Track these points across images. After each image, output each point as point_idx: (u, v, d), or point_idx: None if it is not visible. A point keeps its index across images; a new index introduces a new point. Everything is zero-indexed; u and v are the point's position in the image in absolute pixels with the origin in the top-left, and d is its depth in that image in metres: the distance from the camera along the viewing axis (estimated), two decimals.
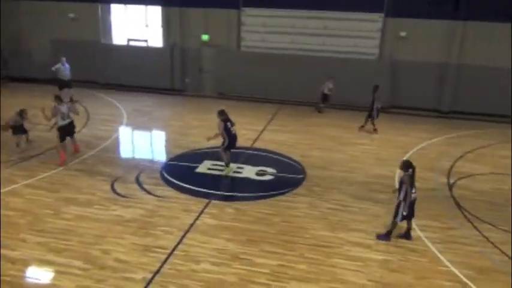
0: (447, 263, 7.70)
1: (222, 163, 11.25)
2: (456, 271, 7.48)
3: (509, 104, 16.76)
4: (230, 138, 10.79)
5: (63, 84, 17.30)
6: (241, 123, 15.04)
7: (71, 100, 16.71)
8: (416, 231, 8.63)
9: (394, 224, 8.27)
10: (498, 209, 9.87)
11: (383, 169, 11.89)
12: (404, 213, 8.08)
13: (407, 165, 8.05)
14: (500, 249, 8.20)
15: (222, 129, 10.66)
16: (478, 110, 17.37)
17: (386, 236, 8.34)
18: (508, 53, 16.59)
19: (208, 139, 10.86)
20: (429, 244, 8.27)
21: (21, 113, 12.15)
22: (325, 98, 17.44)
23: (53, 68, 17.35)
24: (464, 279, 7.27)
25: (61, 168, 10.97)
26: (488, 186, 11.18)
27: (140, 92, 19.87)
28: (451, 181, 11.33)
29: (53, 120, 11.35)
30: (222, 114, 10.78)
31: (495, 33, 16.81)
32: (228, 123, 10.77)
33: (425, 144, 14.17)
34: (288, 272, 7.23)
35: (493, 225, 9.07)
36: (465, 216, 9.47)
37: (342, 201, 9.93)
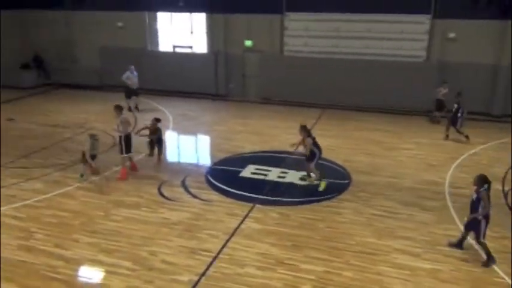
0: (502, 274, 7.34)
1: (266, 167, 11.27)
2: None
3: None
4: (319, 151, 10.63)
5: (130, 92, 17.81)
6: (284, 127, 15.10)
7: (136, 108, 17.44)
8: (468, 240, 8.28)
9: (483, 244, 7.66)
10: None
11: (431, 175, 11.51)
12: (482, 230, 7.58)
13: (483, 180, 7.56)
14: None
15: (311, 144, 10.45)
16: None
17: (492, 260, 7.64)
18: None
19: (292, 146, 11.01)
20: (482, 254, 7.91)
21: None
22: (440, 105, 16.64)
23: (123, 77, 17.73)
24: None
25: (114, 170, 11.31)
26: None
27: (185, 97, 20.28)
28: (506, 189, 10.80)
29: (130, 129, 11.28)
30: (306, 129, 10.58)
31: None
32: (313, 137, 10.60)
33: (477, 150, 13.59)
34: (334, 278, 7.13)
35: None
36: None
37: (389, 207, 9.68)
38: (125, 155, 10.99)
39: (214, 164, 12.33)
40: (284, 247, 8.01)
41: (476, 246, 7.87)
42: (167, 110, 17.96)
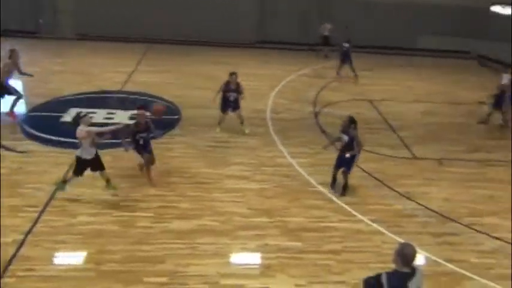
0: (316, 185, 8.52)
1: (91, 109, 10.55)
2: (325, 190, 8.33)
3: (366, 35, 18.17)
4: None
5: None
6: (107, 65, 14.18)
7: None
8: (288, 159, 9.29)
9: (348, 176, 8.26)
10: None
11: (256, 104, 12.32)
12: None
13: (351, 121, 8.04)
14: (360, 167, 9.25)
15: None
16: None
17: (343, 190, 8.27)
18: None
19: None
20: (300, 169, 9.01)
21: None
22: (326, 40, 16.94)
23: None
24: (330, 196, 8.16)
25: None
26: (348, 112, 12.23)
27: None
28: (317, 109, 12.25)
29: None
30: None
31: None
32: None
33: (293, 77, 14.92)
34: (171, 212, 7.32)
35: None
36: (330, 141, 10.40)
37: (219, 137, 10.15)
38: None
39: (30, 110, 11.03)
40: (120, 190, 7.82)
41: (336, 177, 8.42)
42: None
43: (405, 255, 4.02)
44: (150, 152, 8.16)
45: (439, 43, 18.68)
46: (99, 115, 10.79)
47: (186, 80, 14.00)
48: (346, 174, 8.21)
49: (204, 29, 17.33)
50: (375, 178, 8.94)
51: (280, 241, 6.87)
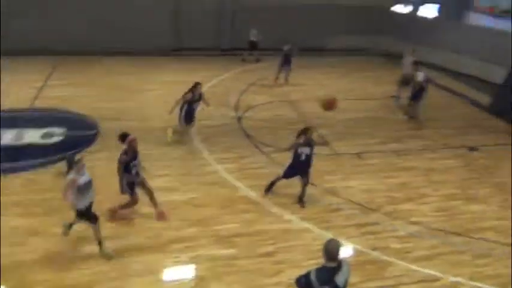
0: (244, 189, 8.60)
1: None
2: (253, 194, 8.43)
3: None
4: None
5: None
6: (12, 81, 13.18)
7: None
8: (215, 166, 9.29)
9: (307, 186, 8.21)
10: (279, 133, 11.31)
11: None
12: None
13: (303, 131, 7.94)
14: (283, 167, 9.49)
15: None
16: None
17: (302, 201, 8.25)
18: None
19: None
20: (227, 175, 9.04)
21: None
22: (253, 45, 17.16)
23: None
24: (259, 199, 8.28)
25: None
26: (269, 114, 12.60)
27: None
28: (239, 114, 12.36)
29: None
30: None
31: None
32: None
33: (214, 82, 14.92)
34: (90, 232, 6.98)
35: (276, 147, 10.40)
36: (254, 144, 10.57)
37: (143, 149, 9.83)
38: None
39: None
40: (36, 215, 7.32)
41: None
42: None
43: (329, 250, 4.25)
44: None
45: (347, 42, 19.72)
46: (7, 136, 10.00)
47: (100, 92, 13.42)
48: (307, 184, 8.15)
49: (117, 38, 16.71)
50: None
51: (213, 250, 6.86)
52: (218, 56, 18.45)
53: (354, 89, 15.23)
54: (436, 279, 6.62)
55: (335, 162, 10.03)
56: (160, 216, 7.48)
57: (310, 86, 15.05)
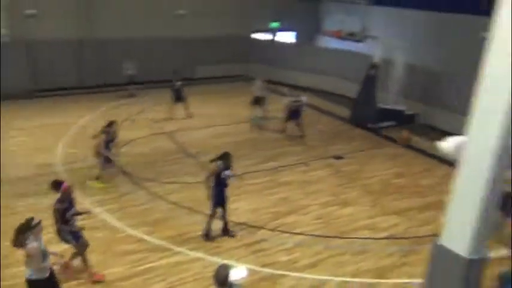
0: (126, 228, 8.21)
1: None
2: (135, 232, 8.09)
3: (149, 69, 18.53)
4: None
5: None
6: None
7: None
8: (93, 208, 8.72)
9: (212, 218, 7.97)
10: (158, 166, 11.11)
11: (44, 159, 11.21)
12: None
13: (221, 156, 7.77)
14: (166, 200, 9.33)
15: None
16: (120, 81, 18.04)
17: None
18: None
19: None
20: (108, 216, 8.56)
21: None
22: (131, 79, 17.10)
23: None
24: (144, 236, 7.97)
25: None
26: (147, 147, 12.30)
27: None
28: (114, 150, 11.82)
29: None
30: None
31: None
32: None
33: (81, 123, 14.11)
34: None
35: (157, 181, 10.19)
36: (133, 180, 10.20)
37: (4, 203, 8.84)
38: None
39: None
40: None
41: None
42: None
43: (218, 277, 4.34)
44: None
45: (216, 71, 20.45)
46: None
47: None
48: (226, 212, 8.12)
49: None
50: (185, 207, 9.12)
51: None
52: (85, 94, 17.54)
53: (229, 115, 15.68)
54: (325, 283, 7.02)
55: None
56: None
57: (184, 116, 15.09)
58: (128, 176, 10.44)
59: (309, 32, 22.51)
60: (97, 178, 9.85)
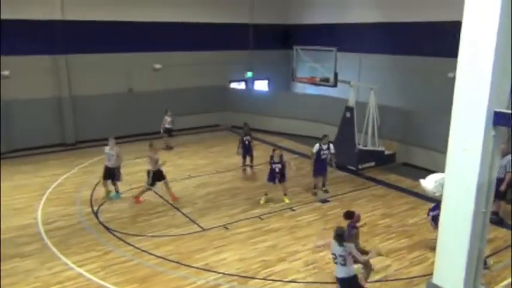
0: (111, 287, 7.87)
1: None
2: None
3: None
4: None
5: None
6: None
7: None
8: (75, 269, 8.37)
9: None
10: (141, 220, 10.85)
11: (21, 219, 10.82)
12: None
13: None
14: (153, 254, 9.05)
15: None
16: (100, 135, 17.90)
17: None
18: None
19: None
20: (91, 276, 8.21)
21: None
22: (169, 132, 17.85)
23: None
24: None
25: None
26: (127, 203, 12.04)
27: None
28: (95, 208, 11.55)
29: None
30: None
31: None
32: None
33: (60, 180, 13.80)
34: None
35: (142, 235, 9.92)
36: (117, 237, 9.90)
37: None
38: None
39: None
40: None
41: None
42: None
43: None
44: None
45: (195, 121, 20.65)
46: None
47: None
48: None
49: None
50: (171, 260, 8.86)
51: None
52: (58, 152, 17.26)
53: (208, 164, 15.64)
54: None
55: (204, 238, 9.91)
56: None
57: (167, 168, 14.91)
58: (112, 232, 10.14)
59: (283, 79, 23.21)
60: None
